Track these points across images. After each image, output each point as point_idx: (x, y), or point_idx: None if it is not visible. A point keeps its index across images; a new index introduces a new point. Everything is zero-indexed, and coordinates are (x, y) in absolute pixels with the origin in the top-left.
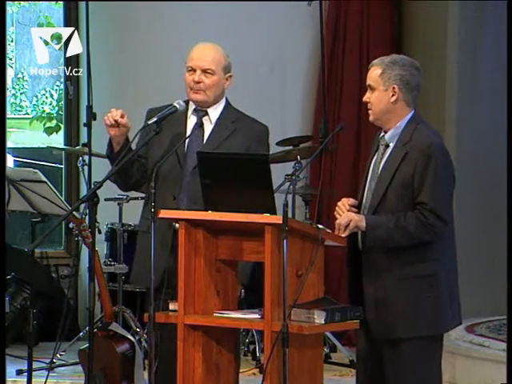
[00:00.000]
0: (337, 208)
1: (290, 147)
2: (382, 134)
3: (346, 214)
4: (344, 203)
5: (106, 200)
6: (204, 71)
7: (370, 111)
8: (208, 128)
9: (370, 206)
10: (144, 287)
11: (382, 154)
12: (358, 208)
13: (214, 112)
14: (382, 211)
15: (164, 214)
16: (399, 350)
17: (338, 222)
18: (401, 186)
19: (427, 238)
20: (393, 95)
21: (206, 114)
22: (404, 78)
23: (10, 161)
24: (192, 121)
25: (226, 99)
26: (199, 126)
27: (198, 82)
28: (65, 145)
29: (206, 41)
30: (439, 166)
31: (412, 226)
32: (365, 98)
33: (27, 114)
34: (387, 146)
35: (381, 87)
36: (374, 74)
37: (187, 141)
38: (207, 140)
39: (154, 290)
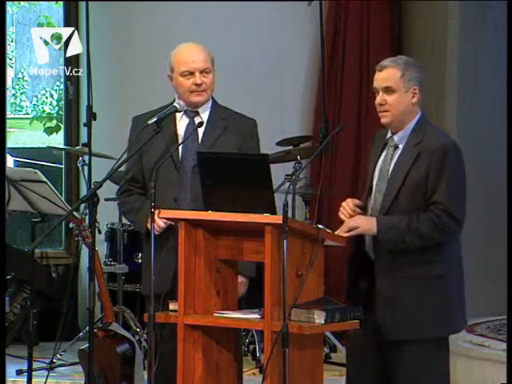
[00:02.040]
0: (341, 209)
1: (290, 147)
2: (390, 135)
3: (356, 219)
4: (349, 203)
5: (105, 200)
6: (202, 72)
7: (385, 113)
8: (201, 127)
9: (381, 207)
10: (157, 293)
11: (391, 155)
12: (363, 209)
13: (204, 111)
14: (395, 212)
15: (164, 213)
16: (407, 351)
17: (346, 223)
18: (413, 187)
19: (440, 238)
20: (413, 96)
21: (197, 113)
22: (420, 79)
23: (9, 161)
24: (184, 122)
25: (212, 97)
26: (199, 125)
27: (200, 84)
28: (65, 145)
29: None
30: (454, 166)
31: (425, 227)
32: (380, 101)
33: (27, 113)
34: (396, 147)
35: (402, 89)
36: (394, 75)
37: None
38: (202, 139)
39: (164, 294)
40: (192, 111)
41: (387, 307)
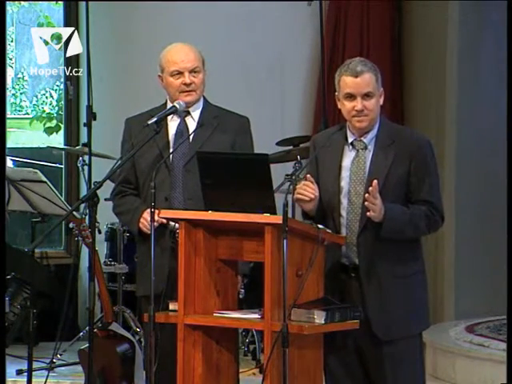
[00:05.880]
0: (302, 188)
1: (290, 147)
2: (353, 137)
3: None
4: (310, 184)
5: (106, 200)
6: (191, 71)
7: (364, 118)
8: (192, 127)
9: (362, 209)
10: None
11: (364, 157)
12: (335, 213)
13: (195, 110)
14: None
15: (164, 213)
16: (400, 347)
17: (377, 200)
18: (395, 186)
19: (428, 233)
20: (381, 98)
21: (188, 113)
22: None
23: (8, 162)
24: (175, 122)
25: (203, 96)
26: (198, 127)
27: (190, 84)
28: (65, 145)
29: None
30: (435, 164)
31: (422, 222)
32: (361, 106)
33: (27, 113)
34: (365, 148)
35: (377, 92)
36: (371, 80)
37: (172, 141)
38: (193, 138)
39: (160, 294)
40: (183, 111)
41: (377, 307)
